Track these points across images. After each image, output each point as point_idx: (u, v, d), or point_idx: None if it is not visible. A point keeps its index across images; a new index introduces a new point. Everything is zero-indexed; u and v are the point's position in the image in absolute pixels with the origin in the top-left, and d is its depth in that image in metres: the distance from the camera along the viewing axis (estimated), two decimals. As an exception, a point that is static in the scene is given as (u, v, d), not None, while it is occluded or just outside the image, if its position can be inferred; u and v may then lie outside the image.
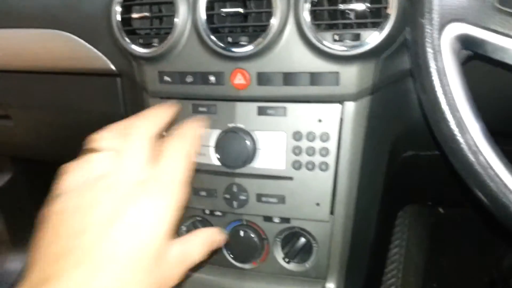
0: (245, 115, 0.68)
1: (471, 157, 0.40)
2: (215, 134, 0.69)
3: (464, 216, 1.31)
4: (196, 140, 0.51)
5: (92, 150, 0.45)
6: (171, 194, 0.43)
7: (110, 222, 0.39)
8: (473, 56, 0.44)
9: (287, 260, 0.70)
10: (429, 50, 0.40)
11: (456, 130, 0.40)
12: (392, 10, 0.57)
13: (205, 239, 0.50)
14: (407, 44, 0.56)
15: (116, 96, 0.82)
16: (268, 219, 0.70)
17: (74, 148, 1.07)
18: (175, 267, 0.44)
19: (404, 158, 0.72)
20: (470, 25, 0.40)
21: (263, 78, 0.65)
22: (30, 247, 0.41)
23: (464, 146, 0.40)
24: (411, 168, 0.76)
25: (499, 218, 0.41)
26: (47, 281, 0.37)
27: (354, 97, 0.63)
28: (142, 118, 0.49)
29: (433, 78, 0.40)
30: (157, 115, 0.51)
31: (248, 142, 0.66)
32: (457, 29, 0.40)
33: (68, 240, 0.39)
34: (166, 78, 0.71)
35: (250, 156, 0.66)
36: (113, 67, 0.79)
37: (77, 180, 0.43)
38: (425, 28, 0.40)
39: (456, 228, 1.31)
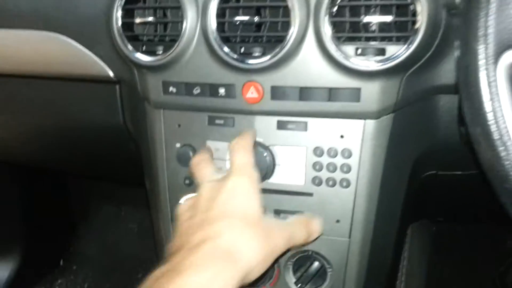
0: (264, 129, 0.63)
1: None
2: (230, 148, 0.65)
3: (465, 229, 1.29)
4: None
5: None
6: (247, 172, 0.56)
7: (213, 202, 0.53)
8: None
9: (299, 285, 0.66)
10: (483, 80, 0.36)
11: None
12: (422, 23, 0.53)
13: (304, 222, 0.59)
14: (457, 64, 0.52)
15: (114, 104, 0.77)
16: None
17: (64, 156, 1.02)
18: (280, 238, 0.54)
19: (423, 178, 0.69)
20: None
21: (277, 93, 0.61)
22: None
23: None
24: (429, 187, 0.73)
25: None
26: (200, 243, 0.49)
27: (375, 115, 0.59)
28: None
29: (486, 110, 0.36)
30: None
31: (266, 157, 0.62)
32: None
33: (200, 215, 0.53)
34: (171, 89, 0.66)
35: (268, 171, 0.63)
36: (111, 74, 0.73)
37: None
38: (479, 56, 0.36)
39: (457, 239, 1.29)
